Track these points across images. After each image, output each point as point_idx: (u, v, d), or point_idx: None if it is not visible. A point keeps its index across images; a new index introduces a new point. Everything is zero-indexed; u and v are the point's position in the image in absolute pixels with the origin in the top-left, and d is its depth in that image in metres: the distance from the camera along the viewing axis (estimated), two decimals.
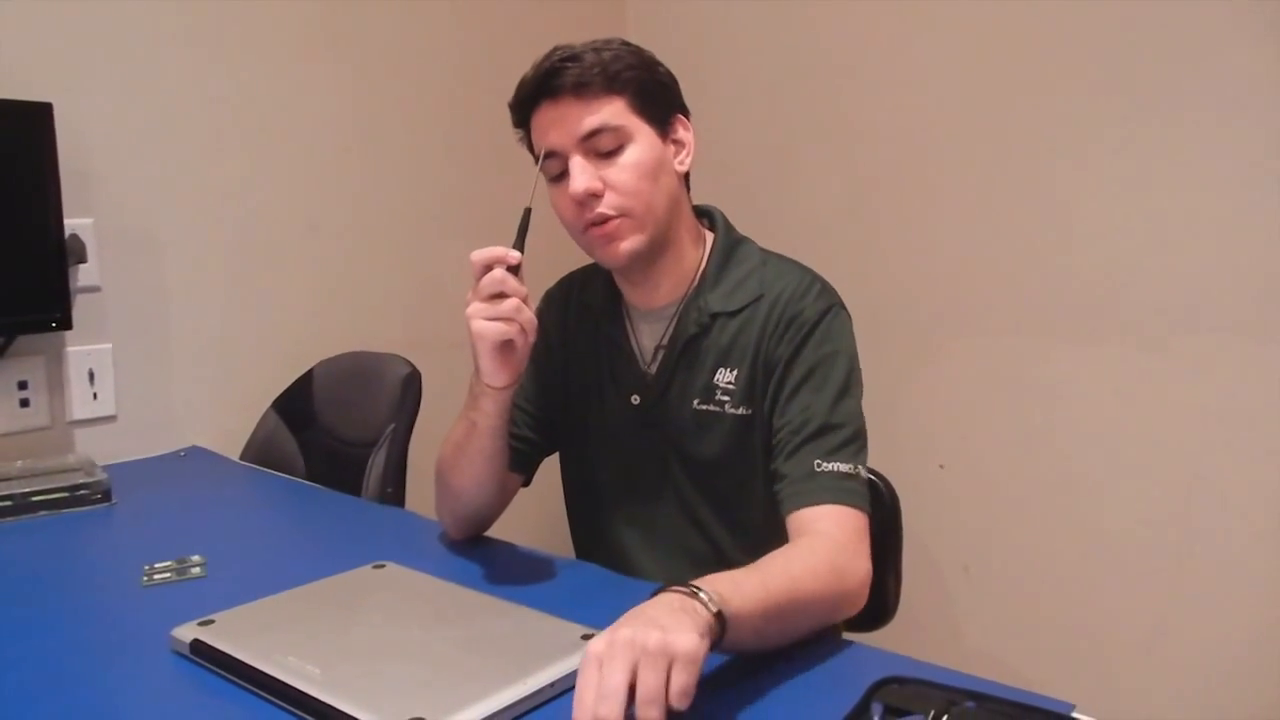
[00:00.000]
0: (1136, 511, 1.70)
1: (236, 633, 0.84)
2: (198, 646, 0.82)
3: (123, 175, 1.60)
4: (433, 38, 2.05)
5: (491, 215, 2.14)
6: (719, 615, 0.70)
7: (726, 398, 1.06)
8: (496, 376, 0.97)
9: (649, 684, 0.62)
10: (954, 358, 1.91)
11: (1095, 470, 1.75)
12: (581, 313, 1.19)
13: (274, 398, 1.72)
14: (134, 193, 1.62)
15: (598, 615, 0.81)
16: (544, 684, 0.74)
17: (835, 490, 0.94)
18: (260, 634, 0.83)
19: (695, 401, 1.07)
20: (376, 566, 1.01)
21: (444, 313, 2.06)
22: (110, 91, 1.58)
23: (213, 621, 0.86)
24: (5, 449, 1.48)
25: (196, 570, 1.06)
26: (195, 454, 1.64)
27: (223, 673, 0.80)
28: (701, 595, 0.70)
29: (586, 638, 0.82)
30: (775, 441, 1.01)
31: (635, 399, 1.11)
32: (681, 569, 1.06)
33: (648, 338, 1.12)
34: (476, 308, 0.92)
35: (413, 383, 1.55)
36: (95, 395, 1.57)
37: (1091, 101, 1.68)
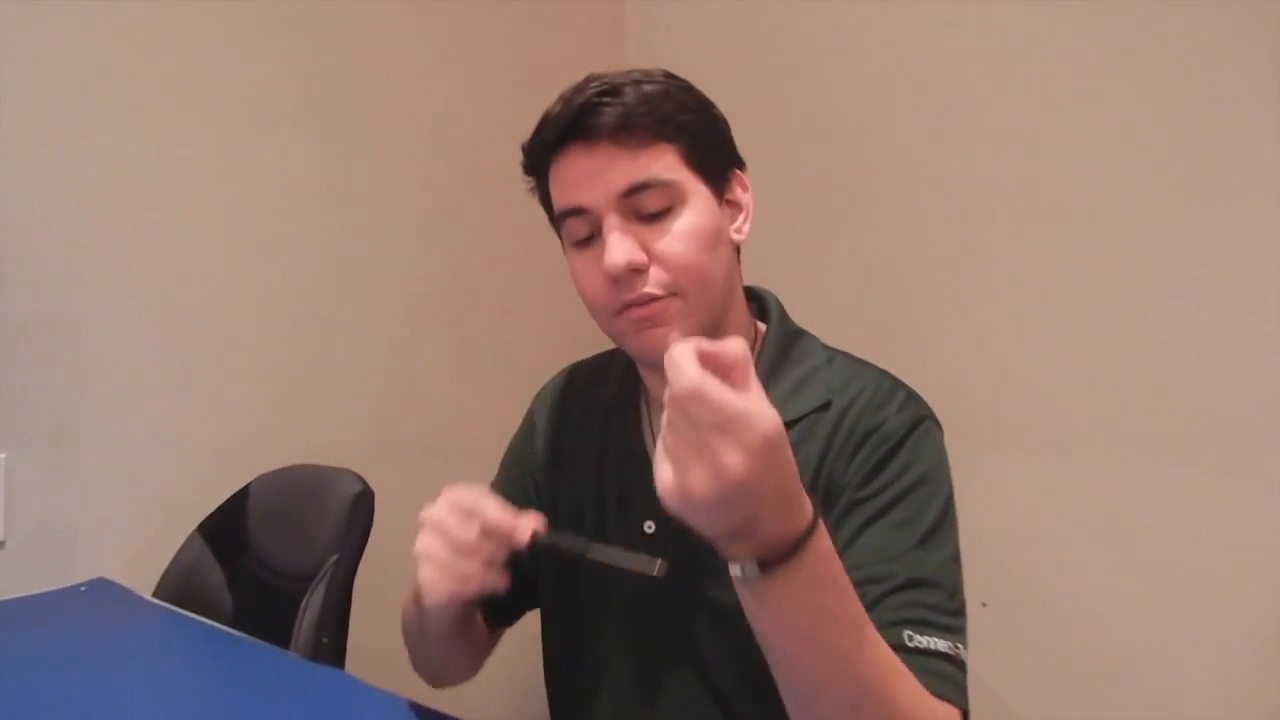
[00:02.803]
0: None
1: None
2: None
3: (18, 248, 1.36)
4: (409, 81, 1.82)
5: (478, 301, 1.93)
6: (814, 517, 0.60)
7: None
8: (433, 595, 0.75)
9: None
10: (998, 474, 1.65)
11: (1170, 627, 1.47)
12: (584, 413, 0.96)
13: (200, 519, 1.44)
14: (31, 268, 1.38)
15: None
16: None
17: (934, 678, 0.69)
18: None
19: None
20: None
21: (415, 415, 1.81)
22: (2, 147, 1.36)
23: None
24: None
25: None
26: (98, 588, 1.36)
27: None
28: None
29: None
30: None
31: (650, 526, 0.85)
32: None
33: None
34: (433, 544, 0.74)
35: (362, 504, 1.28)
36: None
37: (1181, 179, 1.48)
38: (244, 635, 1.16)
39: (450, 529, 0.72)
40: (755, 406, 0.53)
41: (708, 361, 0.54)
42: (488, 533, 0.71)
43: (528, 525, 0.71)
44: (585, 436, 0.95)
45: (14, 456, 1.34)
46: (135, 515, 1.46)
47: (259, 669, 1.05)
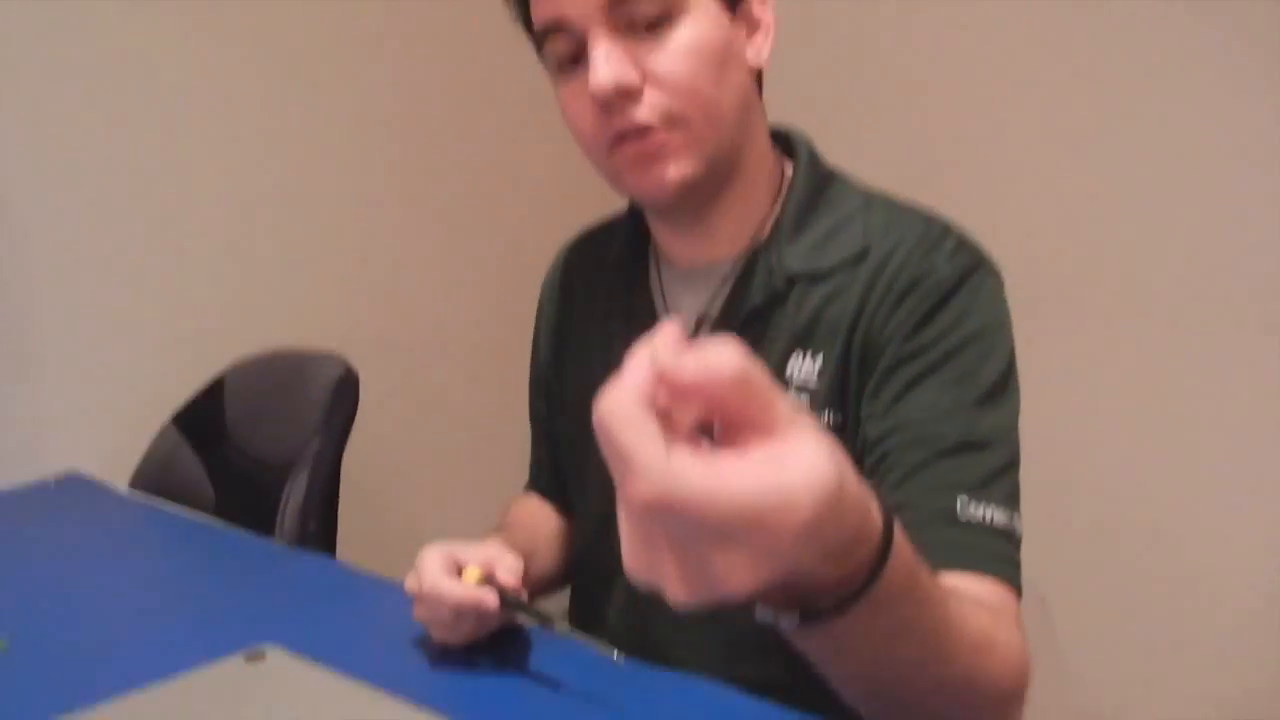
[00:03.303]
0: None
1: None
2: None
3: None
4: None
5: (465, 184, 1.82)
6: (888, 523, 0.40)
7: (804, 396, 0.72)
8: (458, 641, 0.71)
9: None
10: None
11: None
12: (592, 277, 0.87)
13: (175, 409, 1.36)
14: None
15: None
16: None
17: (990, 555, 0.61)
18: None
19: None
20: (252, 658, 0.67)
21: (396, 307, 1.72)
22: None
23: None
24: None
25: None
26: (71, 482, 1.28)
27: None
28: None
29: None
30: (881, 454, 0.66)
31: None
32: (715, 650, 0.73)
33: (688, 307, 0.78)
34: (425, 617, 0.70)
35: (346, 388, 1.20)
36: None
37: None
38: (226, 525, 1.10)
39: (429, 610, 0.69)
40: (790, 478, 0.32)
41: (681, 391, 0.33)
42: (459, 611, 0.67)
43: (491, 597, 0.66)
44: (592, 308, 0.86)
45: None
46: (106, 407, 1.38)
47: (244, 557, 0.99)
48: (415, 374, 1.75)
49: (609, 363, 0.81)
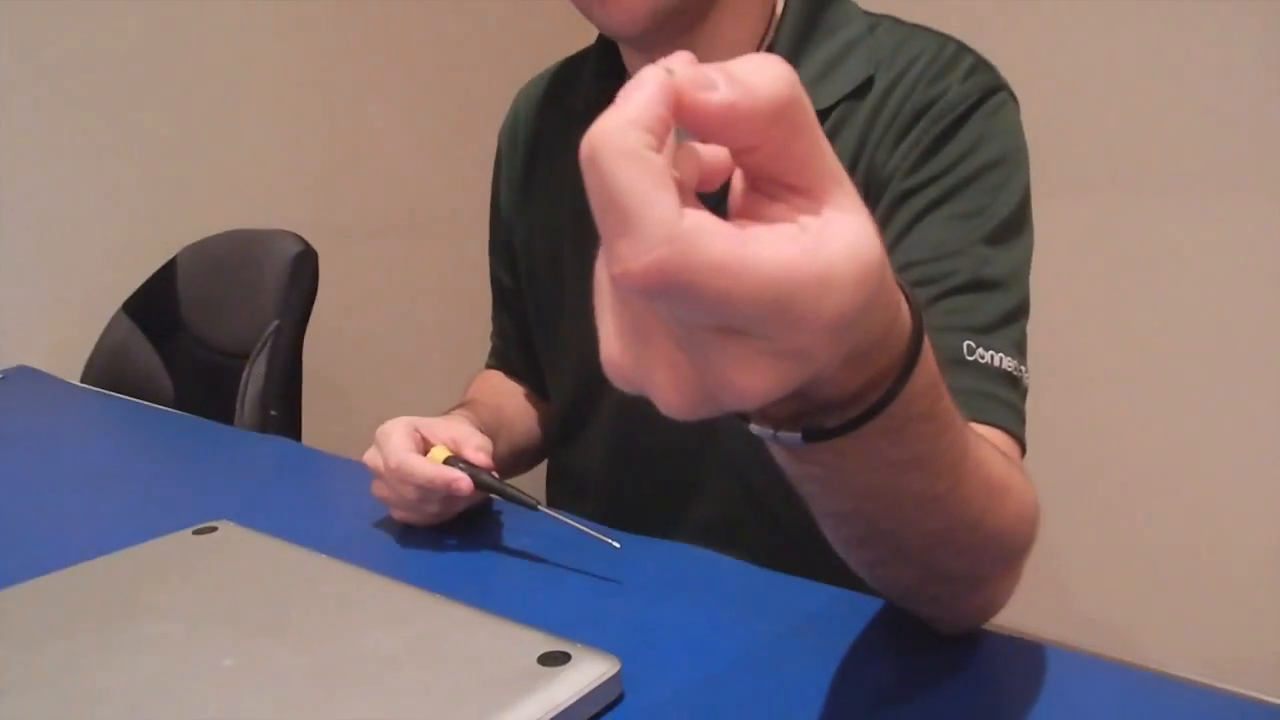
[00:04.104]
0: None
1: None
2: None
3: None
4: None
5: (430, 67, 1.71)
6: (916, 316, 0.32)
7: None
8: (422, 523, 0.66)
9: None
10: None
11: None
12: (556, 123, 0.79)
13: (125, 297, 1.28)
14: None
15: (570, 610, 0.53)
16: None
17: (997, 403, 0.56)
18: None
19: None
20: (201, 531, 0.62)
21: (356, 190, 1.63)
22: None
23: None
24: None
25: None
26: (20, 375, 1.22)
27: None
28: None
29: (550, 659, 0.44)
30: None
31: None
32: (704, 529, 0.69)
33: None
34: (387, 498, 0.65)
35: (304, 264, 1.13)
36: None
37: None
38: (184, 414, 1.04)
39: (392, 489, 0.63)
40: (830, 255, 0.24)
41: (701, 119, 0.24)
42: (426, 491, 0.61)
43: (463, 478, 0.60)
44: (559, 158, 0.79)
45: None
46: (53, 296, 1.30)
47: (201, 441, 0.93)
48: (374, 257, 1.67)
49: (580, 221, 0.75)
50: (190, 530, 0.61)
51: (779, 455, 0.35)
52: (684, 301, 0.23)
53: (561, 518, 0.60)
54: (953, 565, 0.42)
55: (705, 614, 0.53)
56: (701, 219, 0.23)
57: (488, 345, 0.94)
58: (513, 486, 0.63)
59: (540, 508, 0.61)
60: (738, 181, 0.27)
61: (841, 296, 0.24)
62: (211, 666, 0.44)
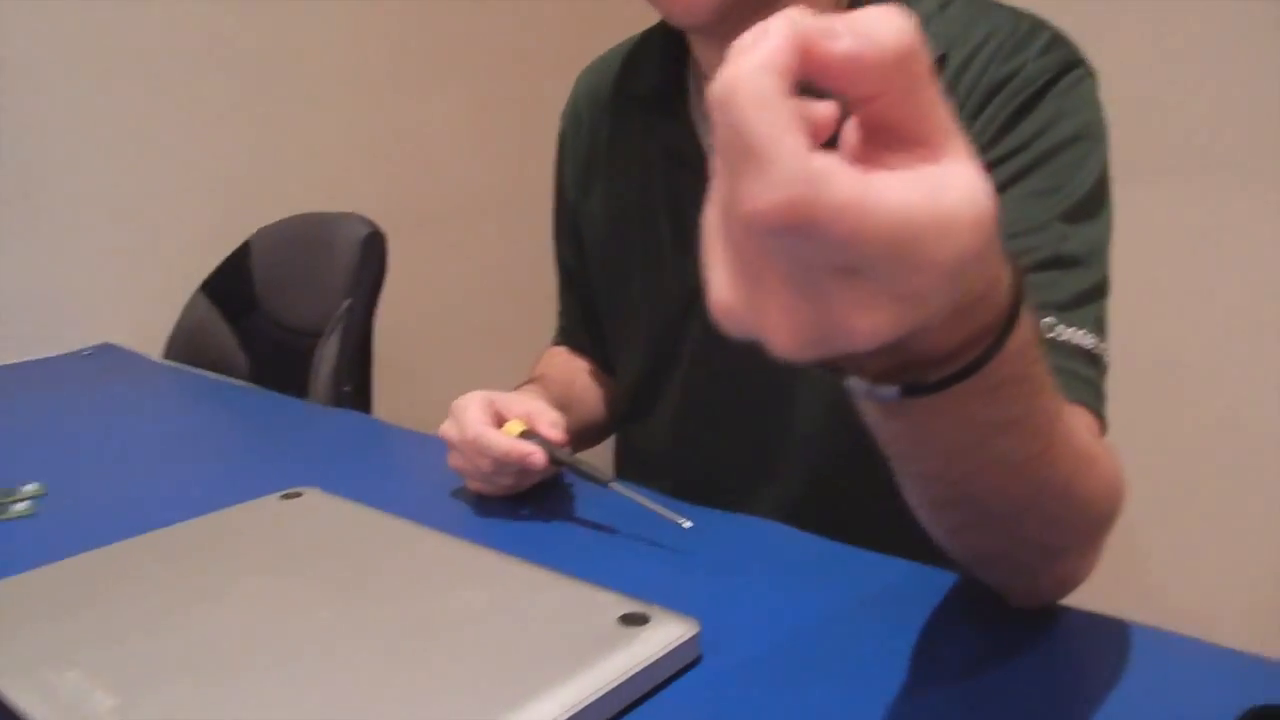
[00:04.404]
0: None
1: (3, 620, 0.47)
2: None
3: None
4: None
5: (492, 54, 1.73)
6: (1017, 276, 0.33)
7: None
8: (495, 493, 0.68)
9: None
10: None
11: None
12: (620, 106, 0.79)
13: (203, 279, 1.33)
14: None
15: (643, 579, 0.52)
16: (560, 715, 0.37)
17: (1079, 381, 0.55)
18: (40, 623, 0.47)
19: None
20: (288, 496, 0.64)
21: (421, 176, 1.66)
22: None
23: None
24: None
25: (22, 507, 0.69)
26: (104, 352, 1.27)
27: None
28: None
29: (630, 620, 0.45)
30: None
31: None
32: (774, 502, 0.70)
33: None
34: (462, 468, 0.67)
35: (374, 246, 1.16)
36: None
37: None
38: (262, 389, 1.07)
39: (468, 460, 0.65)
40: (950, 201, 0.25)
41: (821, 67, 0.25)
42: (501, 463, 0.63)
43: (538, 451, 0.62)
44: (623, 142, 0.79)
45: None
46: (136, 277, 1.35)
47: (280, 415, 0.97)
48: (437, 240, 1.69)
49: (647, 204, 0.76)
50: (277, 495, 0.64)
51: (871, 414, 0.36)
52: (811, 240, 0.24)
53: (634, 494, 0.61)
54: (1037, 533, 0.42)
55: (779, 584, 0.53)
56: (831, 161, 0.24)
57: (550, 325, 0.95)
58: (585, 462, 0.64)
59: (613, 484, 0.62)
60: (852, 132, 0.28)
61: (960, 241, 0.25)
62: (310, 617, 0.46)
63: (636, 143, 0.77)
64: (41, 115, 1.25)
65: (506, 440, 0.62)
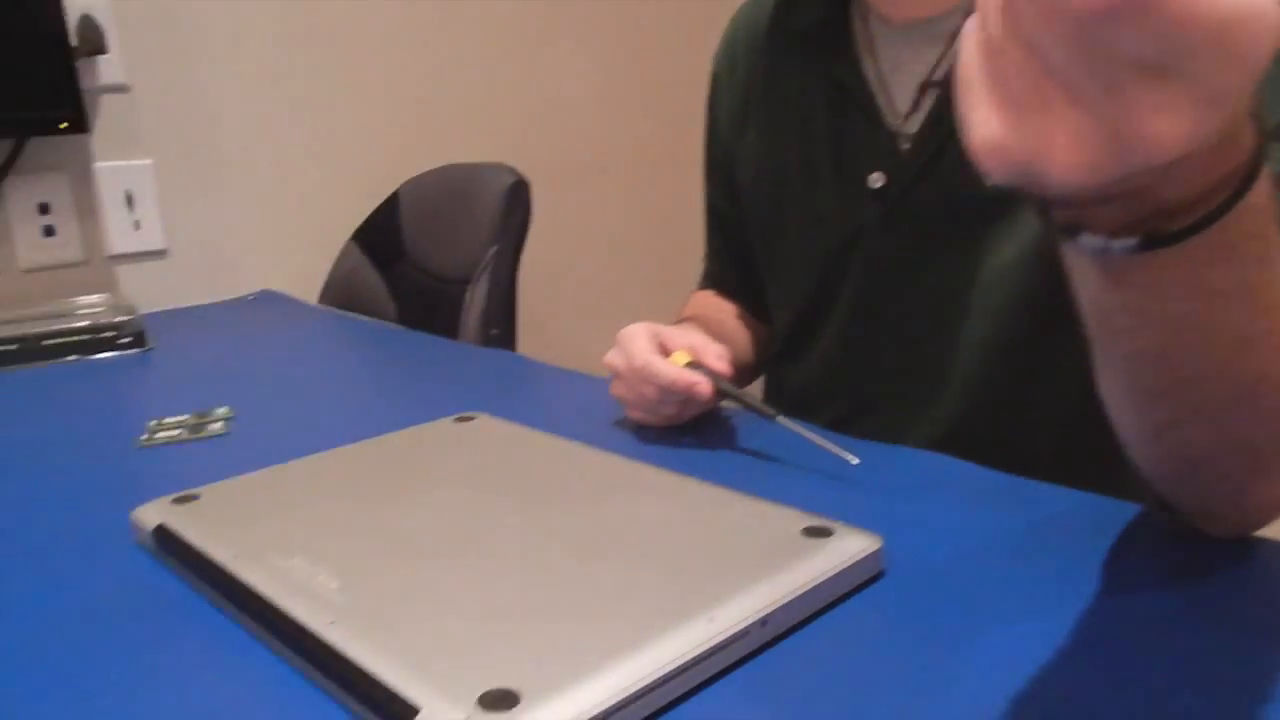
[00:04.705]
0: None
1: (224, 516, 0.51)
2: (164, 535, 0.50)
3: None
4: None
5: (639, 20, 1.75)
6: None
7: None
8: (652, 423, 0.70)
9: None
10: None
11: None
12: (778, 43, 0.78)
13: (354, 228, 1.39)
14: None
15: (815, 502, 0.50)
16: (749, 618, 0.39)
17: None
18: (260, 519, 0.51)
19: None
20: (461, 419, 0.67)
21: (562, 128, 1.69)
22: None
23: (196, 497, 0.54)
24: (32, 287, 1.22)
25: (217, 426, 0.74)
26: (266, 299, 1.35)
27: (194, 577, 0.47)
28: None
29: (814, 532, 0.46)
30: None
31: (876, 179, 0.69)
32: (914, 440, 0.69)
33: (909, 71, 0.69)
34: (624, 397, 0.69)
35: (519, 194, 1.19)
36: (137, 224, 1.28)
37: None
38: (415, 330, 1.12)
39: (631, 389, 0.66)
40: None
41: None
42: (666, 392, 0.64)
43: (705, 381, 0.63)
44: (782, 80, 0.78)
45: (162, 164, 1.30)
46: (292, 227, 1.42)
47: (436, 355, 1.01)
48: (578, 189, 1.72)
49: (809, 140, 0.75)
50: (450, 418, 0.67)
51: (1092, 287, 0.36)
52: (1145, 22, 0.24)
53: (800, 429, 0.61)
54: (1252, 431, 0.40)
55: (954, 509, 0.53)
56: None
57: (688, 274, 0.96)
58: (750, 395, 0.65)
59: (780, 418, 0.62)
60: None
61: (1270, 38, 0.25)
62: (501, 522, 0.49)
63: (796, 79, 0.77)
64: (218, 83, 1.33)
65: (673, 369, 0.63)
